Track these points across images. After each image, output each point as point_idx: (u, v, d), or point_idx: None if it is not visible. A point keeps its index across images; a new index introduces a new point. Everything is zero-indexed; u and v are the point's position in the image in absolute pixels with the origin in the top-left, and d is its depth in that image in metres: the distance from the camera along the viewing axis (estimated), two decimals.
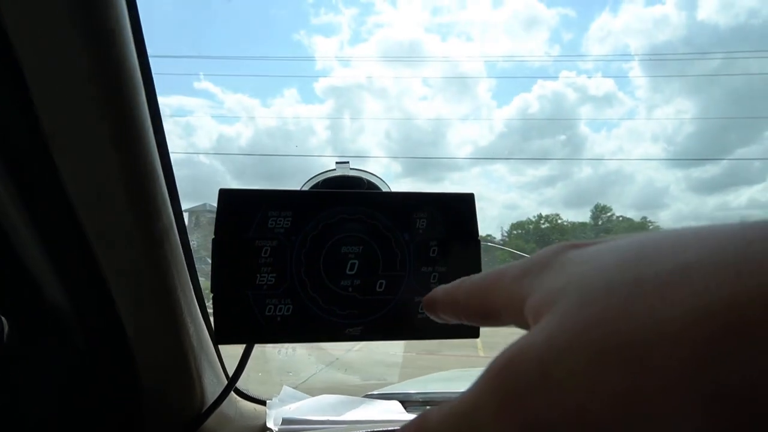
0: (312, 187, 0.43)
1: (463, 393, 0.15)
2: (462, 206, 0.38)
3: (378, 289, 0.36)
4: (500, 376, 0.14)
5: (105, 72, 0.31)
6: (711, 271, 0.11)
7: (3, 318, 0.45)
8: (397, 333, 0.37)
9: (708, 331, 0.11)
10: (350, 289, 0.36)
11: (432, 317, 0.26)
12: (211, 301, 0.37)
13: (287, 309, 0.35)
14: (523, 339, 0.14)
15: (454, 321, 0.24)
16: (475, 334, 0.37)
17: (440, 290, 0.24)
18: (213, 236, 0.36)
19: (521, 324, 0.18)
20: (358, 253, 0.36)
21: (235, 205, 0.35)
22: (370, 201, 0.37)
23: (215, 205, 0.36)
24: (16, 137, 0.34)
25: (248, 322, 0.35)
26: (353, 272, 0.36)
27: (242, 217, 0.35)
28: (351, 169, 0.44)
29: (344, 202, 0.37)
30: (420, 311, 0.37)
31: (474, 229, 0.38)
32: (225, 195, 0.36)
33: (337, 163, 0.44)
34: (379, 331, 0.37)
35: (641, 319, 0.12)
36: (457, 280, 0.23)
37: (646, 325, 0.12)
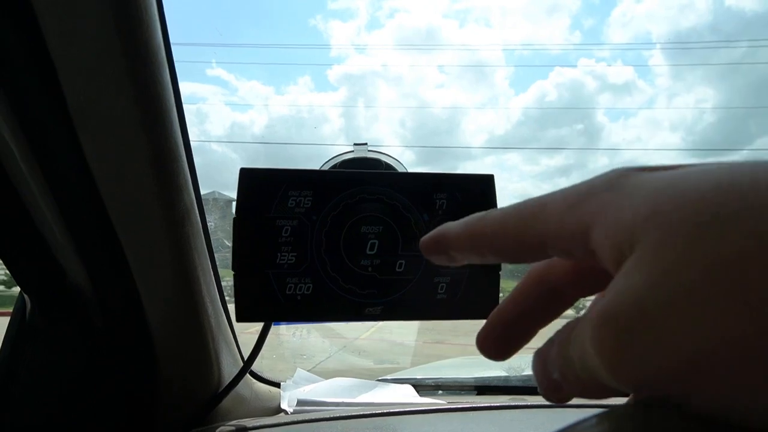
0: (330, 168, 0.43)
1: (572, 341, 0.15)
2: (482, 187, 0.38)
3: (398, 269, 0.36)
4: (605, 331, 0.13)
5: (130, 49, 0.31)
6: None
7: (26, 296, 0.46)
8: (417, 313, 0.38)
9: None
10: (370, 269, 0.36)
11: (436, 260, 0.22)
12: (229, 283, 0.37)
13: (307, 288, 0.36)
14: (618, 286, 0.14)
15: (466, 260, 0.20)
16: None
17: (452, 225, 0.20)
18: (233, 215, 0.36)
19: (579, 255, 0.16)
20: (377, 233, 0.36)
21: (256, 185, 0.36)
22: (390, 181, 0.37)
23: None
24: (41, 118, 0.35)
25: (269, 300, 0.36)
26: (373, 252, 0.36)
27: (263, 197, 0.35)
28: (369, 150, 0.44)
29: (364, 182, 0.37)
30: (440, 291, 0.37)
31: None
32: (246, 174, 0.36)
33: (355, 144, 0.44)
34: (399, 310, 0.37)
35: (722, 256, 0.12)
36: (478, 213, 0.20)
37: (727, 263, 0.12)
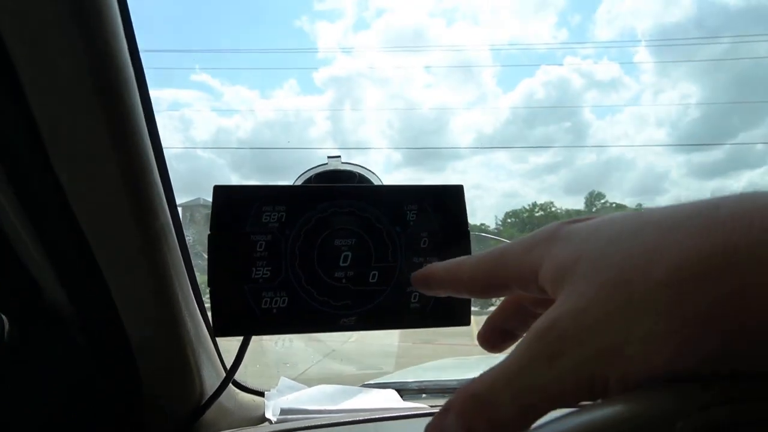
0: (305, 182, 0.44)
1: (507, 357, 0.19)
2: (451, 198, 0.39)
3: (371, 280, 0.37)
4: (546, 337, 0.18)
5: (96, 67, 0.32)
6: (682, 234, 0.16)
7: (3, 316, 0.46)
8: (391, 322, 0.38)
9: (678, 281, 0.15)
10: (344, 281, 0.37)
11: (423, 290, 0.31)
12: (207, 296, 0.38)
13: (283, 301, 0.36)
14: (556, 309, 0.18)
15: (446, 294, 0.28)
16: (466, 322, 0.38)
17: (438, 266, 0.28)
18: (209, 231, 0.36)
19: (532, 291, 0.21)
20: (350, 246, 0.37)
21: (230, 201, 0.36)
22: (362, 195, 0.38)
23: (209, 199, 0.37)
24: (12, 138, 0.35)
25: (245, 315, 0.36)
26: (346, 264, 0.37)
27: (237, 213, 0.36)
28: (343, 162, 0.44)
29: (336, 196, 0.37)
30: (413, 300, 0.38)
31: (463, 221, 0.39)
32: (220, 191, 0.36)
33: (329, 157, 0.45)
34: (373, 320, 0.38)
35: (634, 278, 0.16)
36: (457, 259, 0.26)
37: (638, 283, 0.16)
